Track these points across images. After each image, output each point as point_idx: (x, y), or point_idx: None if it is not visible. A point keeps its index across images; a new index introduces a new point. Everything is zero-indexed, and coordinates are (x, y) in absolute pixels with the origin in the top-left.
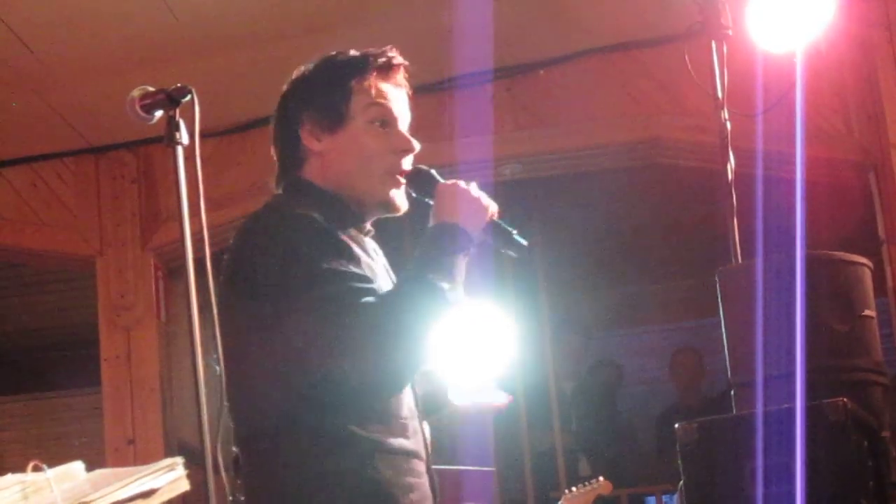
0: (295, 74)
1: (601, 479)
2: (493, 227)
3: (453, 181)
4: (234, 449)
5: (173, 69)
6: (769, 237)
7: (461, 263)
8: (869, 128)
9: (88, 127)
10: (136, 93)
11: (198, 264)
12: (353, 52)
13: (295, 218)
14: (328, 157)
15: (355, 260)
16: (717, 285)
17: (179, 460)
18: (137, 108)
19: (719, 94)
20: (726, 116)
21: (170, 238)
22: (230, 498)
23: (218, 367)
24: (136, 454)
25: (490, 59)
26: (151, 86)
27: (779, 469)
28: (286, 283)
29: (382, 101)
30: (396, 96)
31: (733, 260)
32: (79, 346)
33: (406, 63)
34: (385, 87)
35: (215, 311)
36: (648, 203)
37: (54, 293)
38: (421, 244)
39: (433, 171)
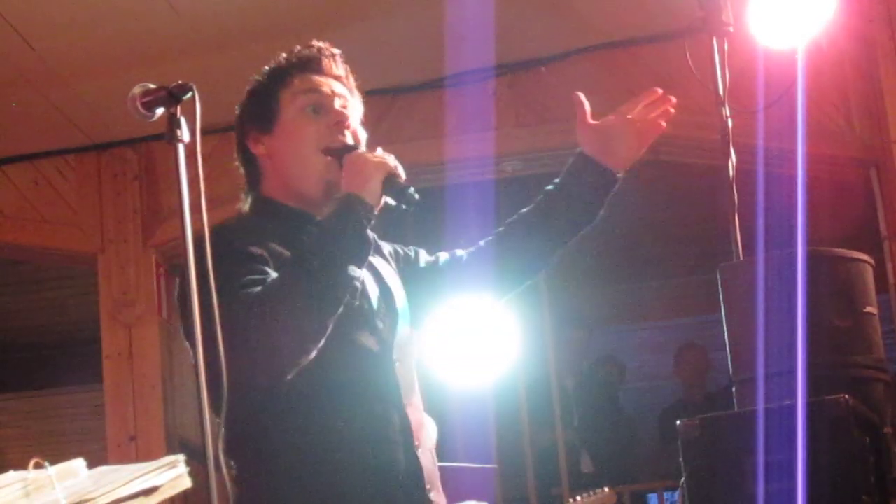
0: None
1: (606, 489)
2: (386, 183)
3: (359, 151)
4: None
5: (175, 66)
6: (770, 234)
7: (359, 233)
8: (870, 124)
9: (90, 124)
10: (137, 90)
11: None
12: (277, 60)
13: (215, 236)
14: (274, 157)
15: (257, 260)
16: (719, 281)
17: (181, 457)
18: (139, 105)
19: (720, 90)
20: (727, 113)
21: (171, 235)
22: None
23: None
24: (137, 451)
25: (492, 55)
26: (153, 83)
27: (780, 465)
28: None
29: (308, 88)
30: (326, 83)
31: (734, 256)
32: (80, 344)
33: (336, 52)
34: (313, 77)
35: (216, 309)
36: (649, 199)
37: (56, 290)
38: (321, 218)
39: (353, 146)
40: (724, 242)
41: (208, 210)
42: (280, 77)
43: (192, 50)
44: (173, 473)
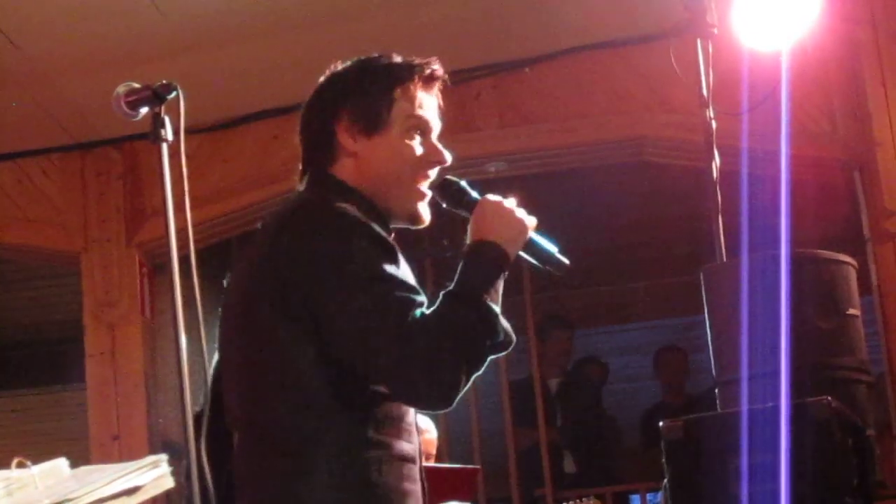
0: (334, 69)
1: (592, 498)
2: (532, 244)
3: (494, 197)
4: (197, 409)
5: (159, 66)
6: (754, 235)
7: (501, 285)
8: (854, 126)
9: (74, 123)
10: (121, 89)
11: (183, 261)
12: (397, 58)
13: (345, 215)
14: (361, 159)
15: (402, 266)
16: (702, 283)
17: (164, 457)
18: (123, 104)
19: (705, 92)
20: (711, 115)
21: (155, 234)
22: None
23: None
24: (120, 451)
25: (476, 56)
26: (137, 82)
27: (763, 467)
28: (342, 282)
29: (422, 111)
30: (433, 107)
31: (718, 258)
32: (64, 343)
33: (446, 77)
34: (425, 97)
35: (199, 308)
36: (634, 201)
37: (39, 289)
38: (464, 262)
39: (464, 183)
40: (708, 244)
41: (192, 209)
42: (401, 81)
43: (177, 50)
44: (156, 473)
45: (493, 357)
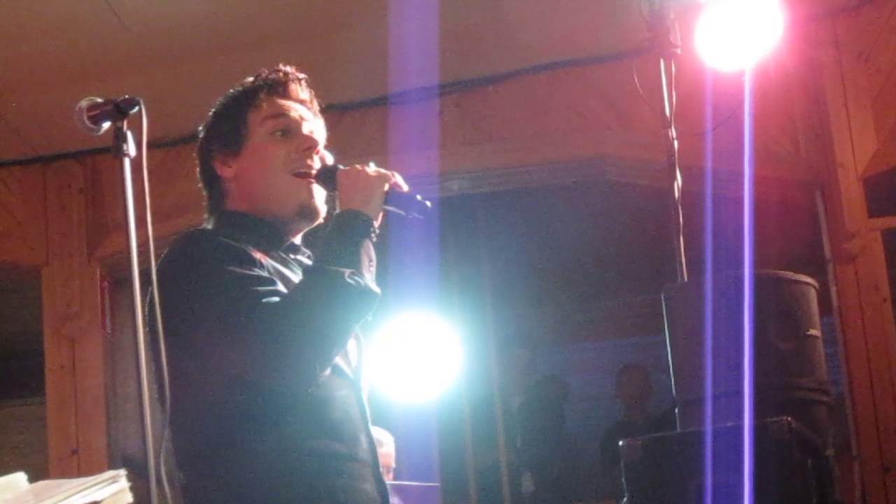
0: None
1: None
2: (392, 196)
3: (350, 166)
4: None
5: (122, 80)
6: (715, 255)
7: (363, 248)
8: (816, 147)
9: (36, 136)
10: (84, 103)
11: (143, 276)
12: (245, 80)
13: (193, 237)
14: (241, 179)
15: (257, 265)
16: (663, 303)
17: (123, 472)
18: (85, 118)
19: (667, 111)
20: (674, 135)
21: (116, 249)
22: None
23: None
24: (79, 465)
25: (438, 74)
26: (100, 96)
27: (723, 487)
28: (194, 300)
29: (276, 112)
30: (294, 108)
31: (679, 277)
32: (23, 356)
33: (302, 76)
34: (280, 101)
35: (159, 323)
36: (596, 220)
37: None
38: (326, 236)
39: (339, 165)
40: (669, 264)
41: (154, 224)
42: (248, 100)
43: (140, 64)
44: (115, 488)
45: (363, 313)
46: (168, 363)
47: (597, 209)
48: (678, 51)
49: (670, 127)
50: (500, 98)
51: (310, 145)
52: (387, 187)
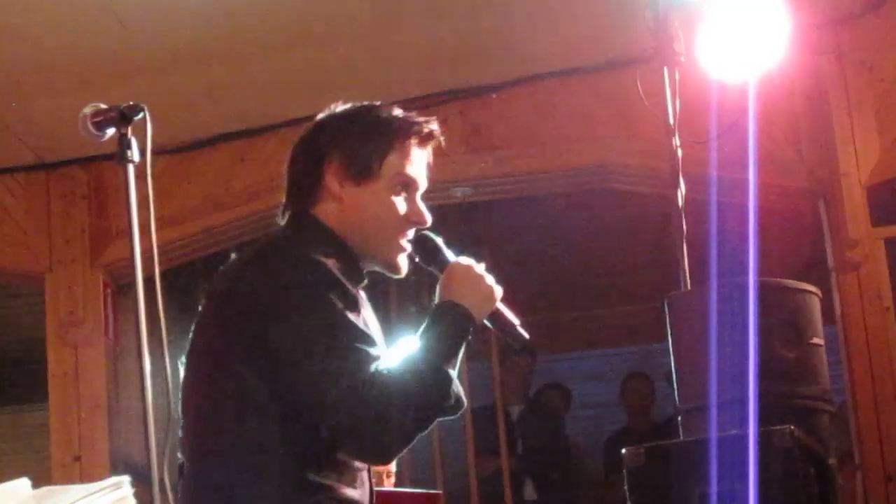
0: (333, 109)
1: None
2: (497, 315)
3: (466, 260)
4: (178, 456)
5: (126, 86)
6: (719, 263)
7: (462, 349)
8: (819, 156)
9: (40, 143)
10: (88, 109)
11: (147, 282)
12: (397, 111)
13: (310, 264)
14: (348, 206)
15: (362, 318)
16: (666, 310)
17: (126, 479)
18: (89, 125)
19: (671, 119)
20: (677, 143)
21: (119, 255)
22: None
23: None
24: (82, 472)
25: (441, 82)
26: (104, 102)
27: (726, 495)
28: (301, 328)
29: (412, 169)
30: (423, 165)
31: (682, 285)
32: (26, 363)
33: (442, 138)
34: (417, 154)
35: (164, 329)
36: (599, 227)
37: (2, 308)
38: (429, 322)
39: (439, 241)
40: (673, 271)
41: (157, 230)
42: (395, 137)
43: (144, 70)
44: (118, 495)
45: (446, 417)
46: (217, 367)
47: (600, 217)
48: (682, 59)
49: (674, 135)
50: (503, 105)
51: (420, 222)
52: (496, 305)
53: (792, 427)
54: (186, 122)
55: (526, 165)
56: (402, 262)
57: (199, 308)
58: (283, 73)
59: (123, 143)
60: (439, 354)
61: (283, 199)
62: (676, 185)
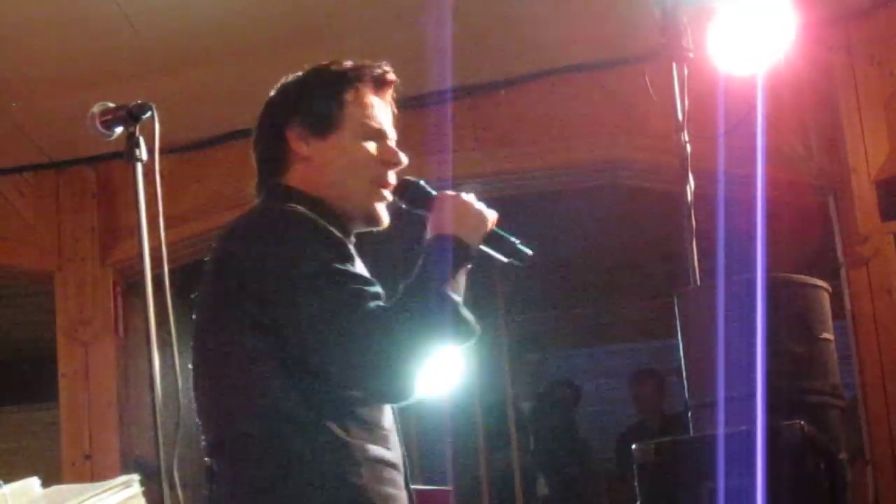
0: (284, 81)
1: None
2: (493, 237)
3: (451, 192)
4: (206, 460)
5: (134, 85)
6: (728, 259)
7: (462, 277)
8: (828, 151)
9: (49, 141)
10: (96, 108)
11: (156, 280)
12: (348, 63)
13: (296, 217)
14: (315, 163)
15: (356, 262)
16: (676, 306)
17: (136, 477)
18: (98, 123)
19: (679, 115)
20: (686, 138)
21: (129, 254)
22: None
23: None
24: (92, 470)
25: (451, 78)
26: (112, 101)
27: (736, 490)
28: (294, 283)
29: (373, 113)
30: (387, 114)
31: (692, 281)
32: (36, 361)
33: (397, 81)
34: (377, 101)
35: (173, 327)
36: (608, 223)
37: (12, 307)
38: (423, 256)
39: (422, 182)
40: (682, 267)
41: (166, 228)
42: (348, 83)
43: (152, 70)
44: (128, 493)
45: (460, 344)
46: (226, 343)
47: (609, 213)
48: (691, 55)
49: (683, 131)
50: (511, 102)
51: (395, 161)
52: (490, 226)
53: (802, 422)
54: (195, 120)
55: (534, 162)
56: (382, 211)
57: (198, 292)
58: (291, 70)
59: (132, 141)
60: (440, 281)
61: (256, 181)
62: (685, 181)
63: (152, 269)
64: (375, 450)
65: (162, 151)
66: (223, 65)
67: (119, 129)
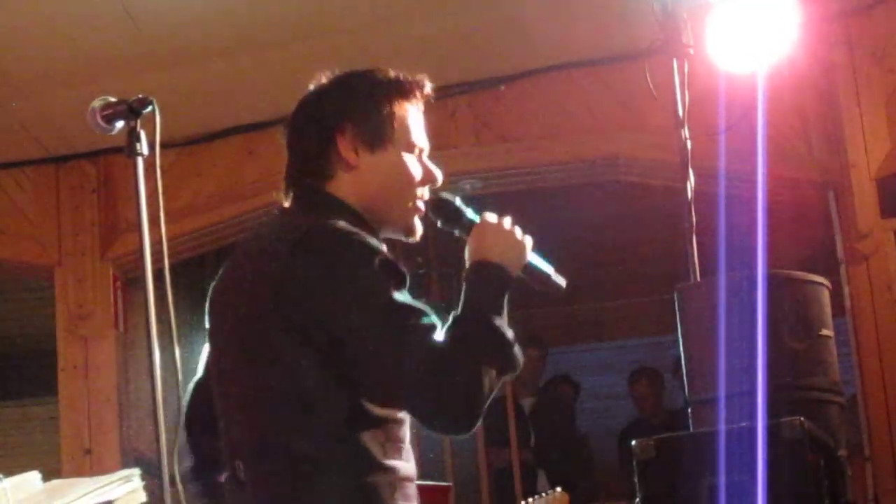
0: (332, 79)
1: (558, 490)
2: (531, 268)
3: (491, 216)
4: (237, 463)
5: (135, 79)
6: (728, 255)
7: (506, 306)
8: (829, 147)
9: (49, 136)
10: (97, 103)
11: (157, 275)
12: (392, 73)
13: (355, 242)
14: (362, 174)
15: (406, 280)
16: (676, 302)
17: (136, 471)
18: (98, 118)
19: (680, 112)
20: (687, 135)
21: (129, 248)
22: None
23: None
24: (92, 465)
25: (451, 74)
26: (113, 96)
27: (735, 487)
28: (358, 311)
29: (418, 129)
30: (422, 123)
31: (692, 277)
32: (36, 356)
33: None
34: (417, 114)
35: (173, 322)
36: (608, 220)
37: (12, 302)
38: (471, 284)
39: (458, 202)
40: (682, 263)
41: (167, 223)
42: (400, 96)
43: (153, 64)
44: (128, 487)
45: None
46: (271, 354)
47: (609, 209)
48: (691, 51)
49: (683, 127)
50: (512, 98)
51: (433, 180)
52: (528, 256)
53: (801, 419)
54: (195, 115)
55: (535, 158)
56: (418, 224)
57: (215, 303)
58: (291, 66)
59: (132, 136)
60: (490, 313)
61: (287, 175)
62: (686, 178)
63: (153, 264)
64: (404, 468)
65: (163, 146)
66: (224, 60)
67: (120, 124)
